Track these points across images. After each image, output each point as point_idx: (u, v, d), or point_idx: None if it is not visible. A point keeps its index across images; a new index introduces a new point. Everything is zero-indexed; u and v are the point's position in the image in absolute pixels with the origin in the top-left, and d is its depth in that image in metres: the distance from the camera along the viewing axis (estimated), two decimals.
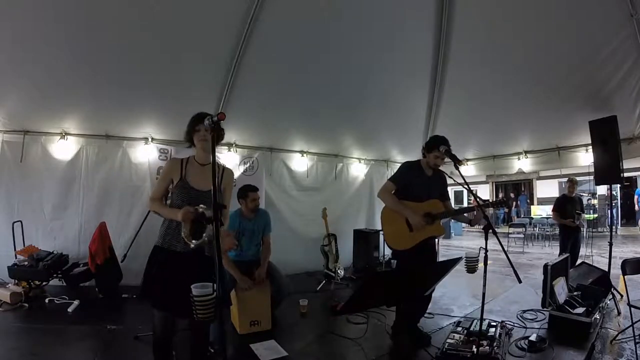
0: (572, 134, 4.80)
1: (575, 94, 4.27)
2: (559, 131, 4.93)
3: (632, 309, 2.68)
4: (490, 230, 2.16)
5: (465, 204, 16.37)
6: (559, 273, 3.38)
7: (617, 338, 2.95)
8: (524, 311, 3.64)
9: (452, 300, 4.22)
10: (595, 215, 10.76)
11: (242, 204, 3.39)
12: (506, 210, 16.28)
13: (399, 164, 6.38)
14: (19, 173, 4.18)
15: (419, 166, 2.94)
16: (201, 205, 1.83)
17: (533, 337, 2.83)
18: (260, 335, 3.06)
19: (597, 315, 3.10)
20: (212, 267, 1.95)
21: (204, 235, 1.80)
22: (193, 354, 2.12)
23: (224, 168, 2.12)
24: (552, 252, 7.94)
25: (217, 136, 1.88)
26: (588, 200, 11.31)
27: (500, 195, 15.70)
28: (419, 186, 2.85)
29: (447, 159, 2.85)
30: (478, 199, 2.45)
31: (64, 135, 4.30)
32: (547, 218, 10.65)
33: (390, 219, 2.86)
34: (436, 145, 2.76)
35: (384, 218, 2.94)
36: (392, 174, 3.20)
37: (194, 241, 1.80)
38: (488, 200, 2.74)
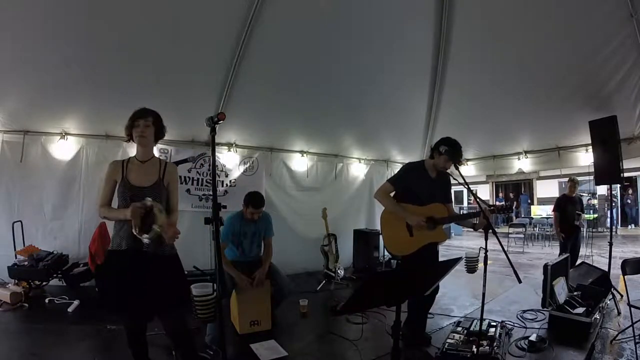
0: (572, 134, 4.80)
1: (575, 94, 4.27)
2: (559, 131, 4.93)
3: (632, 309, 2.67)
4: (490, 230, 2.16)
5: (465, 204, 16.37)
6: (559, 273, 3.38)
7: (617, 338, 2.95)
8: (524, 311, 3.64)
9: (452, 300, 4.22)
10: (595, 215, 10.76)
11: (244, 208, 3.37)
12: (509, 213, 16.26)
13: (399, 164, 6.38)
14: (19, 173, 4.17)
15: (422, 167, 2.82)
16: (147, 198, 1.82)
17: (533, 337, 2.83)
18: (260, 335, 3.05)
19: (597, 315, 3.10)
20: (171, 267, 1.97)
21: (154, 226, 1.76)
22: (183, 355, 2.09)
23: (167, 163, 2.12)
24: (552, 252, 7.94)
25: (158, 132, 2.01)
26: (588, 200, 11.30)
27: (500, 195, 15.70)
28: (421, 187, 2.73)
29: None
30: (481, 202, 2.37)
31: (64, 135, 4.30)
32: (547, 218, 10.65)
33: (390, 223, 2.77)
34: (454, 153, 2.63)
35: (383, 222, 2.84)
36: (392, 174, 3.15)
37: (145, 235, 1.76)
38: (494, 206, 2.61)
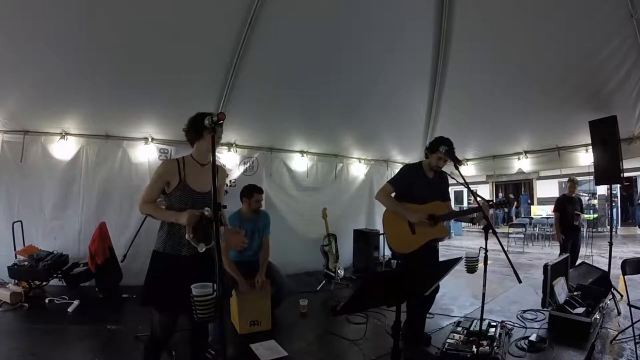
0: (572, 134, 4.81)
1: (575, 94, 4.27)
2: (559, 131, 4.93)
3: (632, 309, 2.68)
4: (490, 230, 2.16)
5: (465, 204, 16.37)
6: (559, 273, 3.38)
7: (617, 338, 2.95)
8: (524, 311, 3.64)
9: (452, 300, 4.22)
10: (595, 215, 10.76)
11: (244, 203, 3.39)
12: (506, 210, 16.27)
13: (399, 164, 6.39)
14: (19, 173, 4.18)
15: (420, 168, 2.90)
16: (206, 208, 1.80)
17: (533, 337, 2.84)
18: (260, 335, 3.06)
19: (597, 315, 3.10)
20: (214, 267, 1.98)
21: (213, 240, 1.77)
22: (193, 353, 2.12)
23: (219, 167, 2.11)
24: (552, 252, 7.94)
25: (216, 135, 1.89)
26: (588, 200, 11.31)
27: (501, 195, 15.70)
28: (419, 188, 2.81)
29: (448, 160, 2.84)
30: (480, 198, 2.43)
31: (64, 135, 4.30)
32: (547, 218, 10.65)
33: (392, 222, 2.83)
34: (439, 147, 2.72)
35: (385, 221, 2.90)
36: (392, 174, 3.17)
37: (201, 244, 1.77)
38: (491, 200, 2.69)
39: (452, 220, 12.61)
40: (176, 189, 1.92)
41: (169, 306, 1.90)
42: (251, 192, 3.34)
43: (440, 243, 2.93)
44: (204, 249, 1.78)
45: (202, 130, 1.90)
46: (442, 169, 2.91)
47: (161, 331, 1.96)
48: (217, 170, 2.04)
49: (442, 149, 2.66)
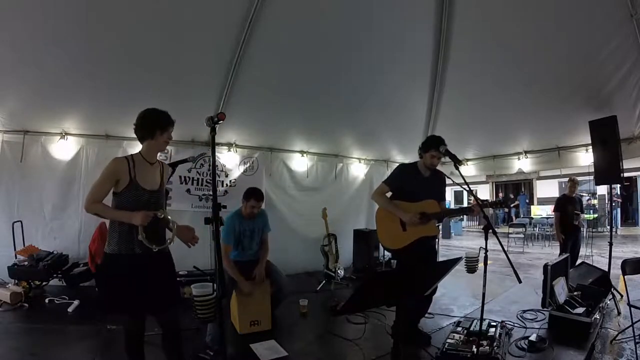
0: (572, 134, 4.81)
1: (575, 94, 4.27)
2: (559, 131, 4.93)
3: (632, 309, 2.67)
4: (490, 230, 2.17)
5: (465, 204, 16.37)
6: (559, 273, 3.38)
7: (617, 338, 2.95)
8: (524, 311, 3.64)
9: (452, 300, 4.22)
10: (595, 215, 10.76)
11: (243, 204, 3.39)
12: (506, 210, 16.26)
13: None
14: (19, 173, 4.17)
15: (415, 168, 2.93)
16: (160, 211, 1.85)
17: (533, 337, 2.83)
18: (260, 335, 3.06)
19: (597, 315, 3.10)
20: (167, 265, 2.02)
21: (168, 239, 1.84)
22: (169, 355, 2.08)
23: (163, 164, 2.15)
24: (552, 252, 7.94)
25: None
26: (588, 200, 11.31)
27: (500, 195, 15.69)
28: (415, 188, 2.83)
29: (445, 160, 2.86)
30: (477, 199, 2.43)
31: (64, 135, 4.30)
32: (547, 218, 10.65)
33: (384, 219, 2.88)
34: (432, 146, 2.75)
35: (377, 218, 2.94)
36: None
37: (154, 245, 1.80)
38: (487, 200, 2.72)
39: (452, 221, 12.65)
40: (126, 188, 1.89)
41: (134, 308, 1.89)
42: (249, 196, 3.29)
43: (440, 243, 2.95)
44: (156, 249, 1.80)
45: (155, 128, 1.96)
46: (441, 170, 2.93)
47: (134, 331, 1.96)
48: (163, 167, 2.11)
49: (442, 148, 2.67)
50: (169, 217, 1.91)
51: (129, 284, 1.85)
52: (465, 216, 15.96)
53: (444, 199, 3.00)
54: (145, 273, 1.85)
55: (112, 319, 3.01)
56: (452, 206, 13.61)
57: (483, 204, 2.55)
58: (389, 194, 2.93)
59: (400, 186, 2.87)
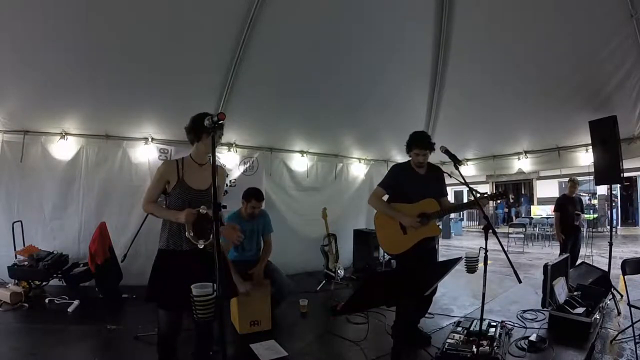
0: (572, 134, 4.81)
1: (575, 94, 4.27)
2: (559, 131, 4.93)
3: (632, 309, 2.68)
4: (490, 230, 2.16)
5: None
6: (559, 273, 3.37)
7: (617, 338, 2.96)
8: (524, 311, 3.64)
9: (452, 300, 4.22)
10: (595, 215, 10.76)
11: (243, 204, 3.39)
12: (506, 210, 16.29)
13: None
14: (19, 173, 4.17)
15: (409, 166, 2.88)
16: (202, 207, 1.89)
17: (533, 337, 2.83)
18: (260, 335, 3.06)
19: (597, 315, 3.09)
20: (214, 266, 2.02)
21: (212, 235, 1.82)
22: (197, 353, 2.13)
23: (218, 167, 2.17)
24: (552, 252, 7.94)
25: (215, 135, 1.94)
26: (588, 200, 11.31)
27: None
28: (411, 186, 2.78)
29: (445, 160, 2.84)
30: (475, 194, 2.41)
31: (64, 135, 4.30)
32: (547, 218, 10.66)
33: (383, 223, 2.82)
34: (413, 143, 2.75)
35: (377, 223, 2.89)
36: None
37: (201, 241, 1.86)
38: (486, 193, 2.63)
39: (452, 221, 12.67)
40: (175, 187, 2.01)
41: (171, 302, 1.95)
42: (250, 197, 3.31)
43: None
44: (202, 245, 1.86)
45: (202, 132, 1.97)
46: (438, 165, 2.91)
47: (166, 328, 2.01)
48: (217, 170, 2.09)
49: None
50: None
51: (172, 280, 1.92)
52: (465, 216, 16.01)
53: (445, 194, 2.93)
54: (189, 270, 1.88)
55: (109, 318, 3.01)
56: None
57: (483, 196, 2.52)
58: (385, 198, 2.89)
59: (396, 186, 2.82)
